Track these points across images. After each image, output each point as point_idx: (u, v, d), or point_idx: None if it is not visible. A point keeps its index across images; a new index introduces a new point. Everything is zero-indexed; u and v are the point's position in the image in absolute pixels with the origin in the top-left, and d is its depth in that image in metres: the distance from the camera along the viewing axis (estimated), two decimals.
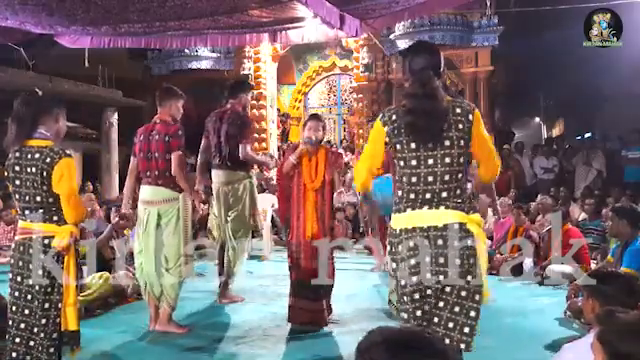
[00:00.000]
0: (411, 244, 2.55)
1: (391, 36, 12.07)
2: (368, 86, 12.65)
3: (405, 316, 2.59)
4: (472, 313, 2.54)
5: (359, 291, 5.77)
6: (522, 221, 7.01)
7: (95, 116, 12.14)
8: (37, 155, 2.93)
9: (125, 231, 6.21)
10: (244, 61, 13.48)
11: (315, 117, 4.78)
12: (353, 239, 9.10)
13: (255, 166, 6.34)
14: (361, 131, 12.90)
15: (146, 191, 4.44)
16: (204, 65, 13.90)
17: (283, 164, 4.58)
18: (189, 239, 4.48)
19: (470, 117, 2.57)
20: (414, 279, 2.55)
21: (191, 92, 15.52)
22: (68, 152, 3.00)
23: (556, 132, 19.94)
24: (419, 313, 2.56)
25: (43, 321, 2.96)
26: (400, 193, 2.63)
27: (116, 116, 11.91)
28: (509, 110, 15.07)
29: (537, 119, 21.81)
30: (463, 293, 2.53)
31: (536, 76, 15.89)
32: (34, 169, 2.92)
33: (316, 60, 14.45)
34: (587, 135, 15.22)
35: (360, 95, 12.90)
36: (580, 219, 7.76)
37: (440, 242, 2.52)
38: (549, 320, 4.77)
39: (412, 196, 2.57)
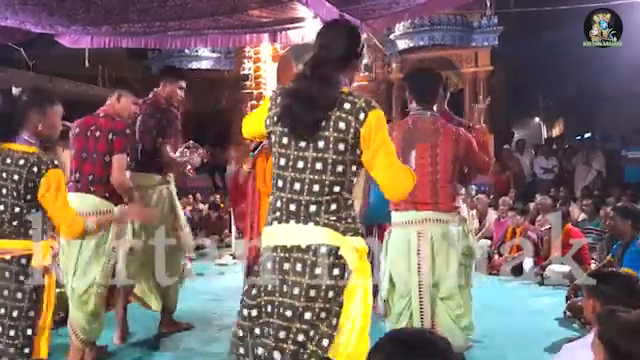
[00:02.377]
0: (269, 266, 2.06)
1: (391, 36, 12.07)
2: (368, 86, 12.65)
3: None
4: None
5: None
6: (518, 222, 7.02)
7: None
8: (21, 162, 2.56)
9: None
10: (244, 61, 13.47)
11: None
12: None
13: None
14: None
15: (71, 200, 3.31)
16: (204, 65, 13.90)
17: (237, 175, 3.89)
18: (122, 267, 3.65)
19: (361, 116, 2.01)
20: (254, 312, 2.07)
21: (191, 92, 15.52)
22: (56, 162, 2.64)
23: (556, 132, 19.95)
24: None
25: (26, 350, 2.56)
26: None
27: None
28: (509, 110, 15.07)
29: (537, 119, 21.81)
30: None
31: (536, 76, 15.89)
32: (16, 177, 2.55)
33: None
34: (587, 135, 15.22)
35: None
36: (580, 219, 7.76)
37: (299, 268, 2.00)
38: (549, 320, 4.77)
39: (278, 204, 2.08)
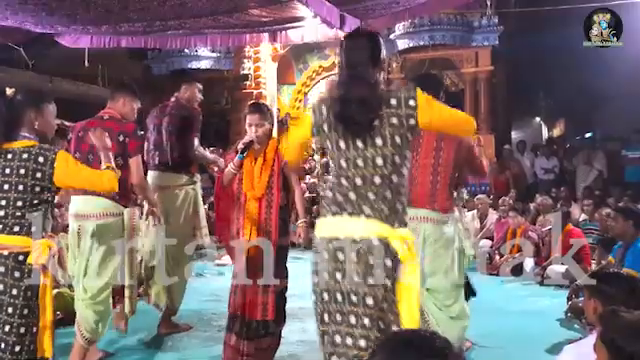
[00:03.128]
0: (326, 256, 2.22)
1: (391, 36, 12.05)
2: None
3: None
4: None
5: None
6: (519, 222, 7.01)
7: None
8: (25, 155, 2.59)
9: None
10: (244, 61, 13.45)
11: (255, 108, 3.57)
12: None
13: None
14: None
15: (79, 202, 3.57)
16: (204, 65, 13.90)
17: (221, 175, 3.56)
18: (134, 267, 3.77)
19: (411, 103, 2.18)
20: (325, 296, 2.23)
21: None
22: (58, 147, 2.71)
23: (557, 132, 19.92)
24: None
25: (17, 348, 2.52)
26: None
27: None
28: (509, 110, 15.03)
29: (537, 119, 21.79)
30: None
31: (536, 76, 15.87)
32: (22, 170, 2.56)
33: (316, 60, 14.42)
34: (588, 135, 15.20)
35: None
36: (581, 219, 7.75)
37: (354, 257, 2.15)
38: (550, 321, 4.77)
39: (337, 198, 2.25)
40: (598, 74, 12.61)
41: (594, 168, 10.20)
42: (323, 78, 15.11)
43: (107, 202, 3.53)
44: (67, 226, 4.17)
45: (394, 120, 2.17)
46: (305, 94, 15.18)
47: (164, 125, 4.38)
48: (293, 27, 6.65)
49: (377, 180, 2.18)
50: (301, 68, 14.66)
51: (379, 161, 2.18)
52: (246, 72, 13.44)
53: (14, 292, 2.54)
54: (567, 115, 18.36)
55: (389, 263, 2.14)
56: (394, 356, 1.35)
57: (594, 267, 5.85)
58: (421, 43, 11.72)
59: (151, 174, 4.34)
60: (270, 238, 3.37)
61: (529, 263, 6.43)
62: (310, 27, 6.64)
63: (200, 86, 4.67)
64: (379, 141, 2.18)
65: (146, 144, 4.35)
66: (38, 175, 2.58)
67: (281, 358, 3.66)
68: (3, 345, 2.52)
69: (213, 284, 6.17)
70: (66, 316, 4.74)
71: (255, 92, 13.04)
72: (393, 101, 2.19)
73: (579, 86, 14.40)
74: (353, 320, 2.15)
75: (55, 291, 4.74)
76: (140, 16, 5.52)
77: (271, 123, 3.57)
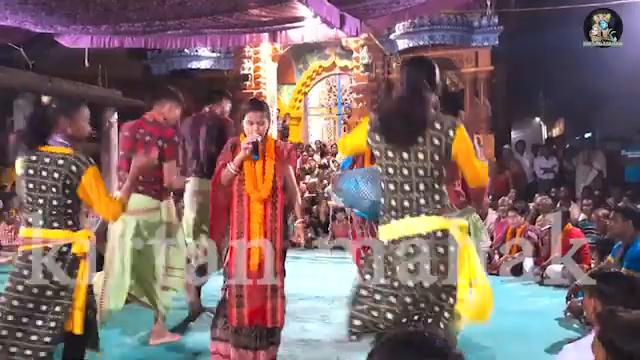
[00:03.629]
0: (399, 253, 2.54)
1: (391, 36, 12.06)
2: (368, 86, 12.65)
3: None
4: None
5: None
6: (518, 222, 7.01)
7: (95, 116, 12.05)
8: (60, 162, 2.92)
9: None
10: (244, 61, 13.47)
11: (257, 105, 3.54)
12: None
13: None
14: None
15: None
16: (204, 65, 13.90)
17: (219, 174, 3.43)
18: (180, 248, 4.19)
19: (450, 134, 2.52)
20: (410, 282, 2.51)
21: (191, 92, 15.51)
22: (92, 160, 3.01)
23: (556, 132, 19.92)
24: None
25: (52, 324, 2.92)
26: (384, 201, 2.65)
27: (116, 116, 11.88)
28: (509, 110, 15.04)
29: (537, 119, 21.80)
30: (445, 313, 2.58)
31: (536, 76, 15.88)
32: (56, 174, 2.91)
33: (316, 60, 14.43)
34: (587, 135, 15.20)
35: (360, 95, 12.89)
36: (580, 219, 7.75)
37: (425, 250, 2.50)
38: (549, 320, 4.77)
39: (393, 203, 2.59)
40: (598, 74, 12.62)
41: (594, 168, 10.21)
42: (323, 78, 15.13)
43: (146, 199, 3.94)
44: None
45: (436, 141, 2.51)
46: (305, 94, 15.19)
47: (201, 135, 4.73)
48: (293, 27, 6.65)
49: (422, 187, 2.54)
50: (301, 68, 14.67)
51: (421, 172, 2.53)
52: (246, 72, 13.45)
53: (55, 278, 2.91)
54: (567, 115, 18.37)
55: (452, 249, 2.50)
56: (394, 356, 1.35)
57: (593, 267, 5.86)
58: (421, 43, 11.72)
59: (190, 180, 4.64)
60: (277, 240, 3.34)
61: (529, 263, 6.44)
62: (310, 27, 6.63)
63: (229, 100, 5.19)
64: (421, 156, 2.52)
65: (181, 151, 4.60)
66: (68, 182, 2.93)
67: (281, 358, 3.66)
68: (41, 322, 2.91)
69: (212, 284, 6.15)
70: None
71: (255, 92, 13.06)
72: (437, 125, 2.52)
73: (579, 86, 14.41)
74: (393, 300, 2.52)
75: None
76: (140, 16, 5.52)
77: (269, 122, 3.55)
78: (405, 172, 2.54)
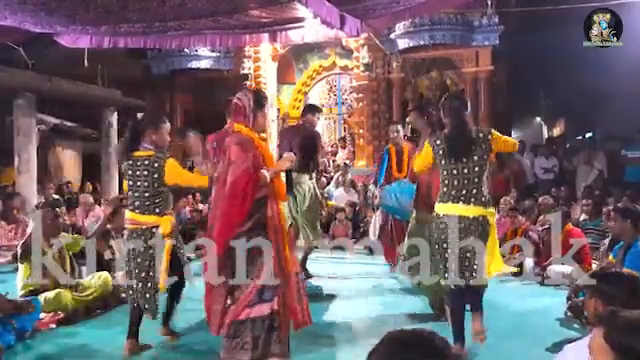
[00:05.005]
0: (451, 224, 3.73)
1: (392, 35, 12.04)
2: (368, 85, 12.64)
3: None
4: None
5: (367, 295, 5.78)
6: (519, 223, 7.00)
7: (94, 116, 12.11)
8: (147, 162, 3.87)
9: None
10: (244, 60, 13.45)
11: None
12: (353, 239, 9.09)
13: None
14: (361, 130, 12.87)
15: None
16: (204, 65, 13.89)
17: (248, 176, 3.43)
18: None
19: (489, 137, 3.78)
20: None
21: (191, 91, 15.51)
22: (168, 156, 3.94)
23: (557, 132, 19.91)
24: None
25: (147, 284, 3.89)
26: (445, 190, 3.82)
27: (115, 116, 11.88)
28: (510, 110, 15.03)
29: (538, 119, 21.78)
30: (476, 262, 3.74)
31: (537, 76, 15.86)
32: (145, 172, 3.86)
33: (316, 59, 14.41)
34: (588, 135, 15.19)
35: (360, 94, 12.88)
36: (581, 219, 7.74)
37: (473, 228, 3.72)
38: (550, 320, 4.76)
39: (453, 192, 3.75)
40: (598, 74, 12.60)
41: (594, 168, 10.20)
42: (323, 78, 15.12)
43: None
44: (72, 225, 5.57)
45: (483, 146, 3.76)
46: (305, 93, 15.17)
47: (296, 141, 6.04)
48: (293, 27, 6.64)
49: (476, 180, 3.73)
50: (301, 67, 14.65)
51: (476, 169, 3.74)
52: (246, 72, 13.42)
53: (150, 252, 3.88)
54: (567, 115, 18.36)
55: (488, 229, 3.76)
56: (393, 356, 1.35)
57: (594, 266, 5.85)
58: (421, 43, 11.71)
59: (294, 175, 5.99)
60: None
61: (529, 263, 6.42)
62: (310, 27, 6.63)
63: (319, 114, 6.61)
64: (475, 158, 3.74)
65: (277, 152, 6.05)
66: (155, 176, 3.87)
67: None
68: (141, 285, 3.90)
69: None
70: (68, 317, 4.75)
71: None
72: (480, 135, 3.80)
73: (579, 86, 14.39)
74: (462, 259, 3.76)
75: (56, 291, 4.78)
76: (140, 17, 5.52)
77: None
78: (465, 170, 3.72)
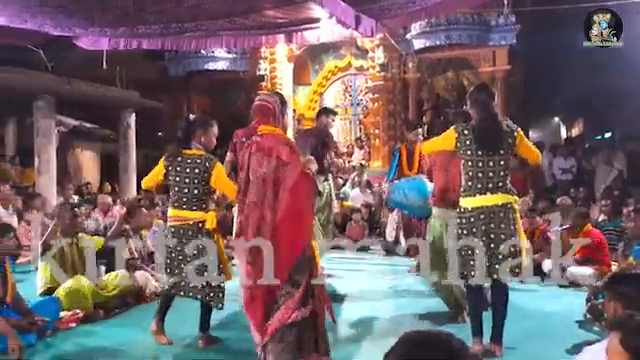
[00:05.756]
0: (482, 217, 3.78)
1: (407, 35, 12.01)
2: (384, 86, 12.61)
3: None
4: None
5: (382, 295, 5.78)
6: (536, 224, 6.94)
7: (113, 117, 12.25)
8: (198, 161, 4.03)
9: (143, 231, 6.24)
10: (260, 61, 13.50)
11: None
12: (369, 239, 9.07)
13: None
14: (377, 131, 12.84)
15: None
16: (220, 66, 13.97)
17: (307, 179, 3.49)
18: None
19: (515, 133, 3.79)
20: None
21: (207, 93, 15.59)
22: (217, 159, 4.06)
23: (575, 132, 19.69)
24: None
25: (215, 274, 4.00)
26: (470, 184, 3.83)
27: (133, 117, 12.00)
28: (527, 109, 14.88)
29: (556, 119, 21.55)
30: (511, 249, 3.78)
31: (554, 75, 15.69)
32: (196, 170, 4.01)
33: (332, 60, 14.42)
34: (607, 135, 15.00)
35: (376, 95, 12.86)
36: (600, 220, 7.65)
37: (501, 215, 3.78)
38: (569, 322, 4.71)
39: (479, 185, 3.78)
40: (617, 72, 12.44)
41: (614, 168, 10.07)
42: (339, 78, 15.12)
43: None
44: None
45: (509, 140, 3.79)
46: (320, 94, 15.18)
47: (310, 144, 5.98)
48: (309, 28, 6.66)
49: (502, 173, 3.78)
50: (317, 68, 14.66)
51: (502, 162, 3.78)
52: (262, 73, 13.48)
53: (200, 246, 3.99)
54: (586, 114, 18.14)
55: (516, 215, 3.83)
56: (410, 357, 1.34)
57: (614, 268, 5.78)
58: (437, 43, 11.66)
59: None
60: None
61: (548, 264, 6.36)
62: (326, 27, 6.63)
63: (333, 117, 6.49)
64: (502, 151, 3.77)
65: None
66: (205, 175, 4.02)
67: None
68: (206, 273, 3.97)
69: (228, 284, 6.17)
70: (87, 315, 4.80)
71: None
72: (507, 129, 3.80)
73: (598, 85, 14.22)
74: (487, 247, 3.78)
75: (67, 287, 4.81)
76: (157, 18, 5.57)
77: None
78: (491, 163, 3.75)
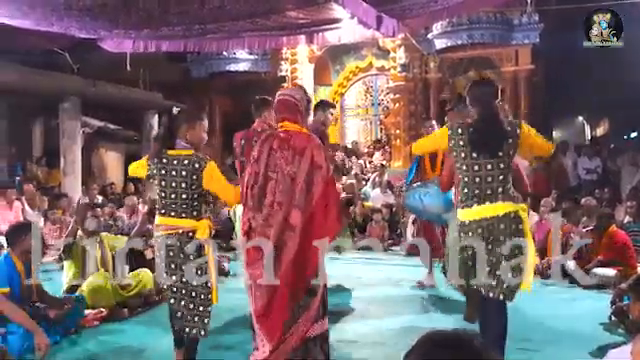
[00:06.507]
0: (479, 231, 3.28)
1: (429, 35, 11.95)
2: (405, 86, 12.56)
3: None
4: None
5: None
6: (560, 224, 6.85)
7: (136, 118, 12.41)
8: (185, 162, 3.46)
9: None
10: (281, 63, 13.56)
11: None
12: (390, 240, 9.06)
13: None
14: (398, 131, 12.80)
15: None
16: (242, 67, 14.05)
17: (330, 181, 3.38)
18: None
19: (517, 131, 3.28)
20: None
21: (229, 94, 15.70)
22: (208, 157, 3.55)
23: (600, 132, 19.38)
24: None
25: (202, 296, 3.48)
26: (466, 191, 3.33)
27: (156, 118, 12.14)
28: (551, 109, 14.70)
29: (580, 118, 21.24)
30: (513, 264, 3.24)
31: (578, 74, 15.47)
32: (184, 172, 3.45)
33: (353, 60, 14.41)
34: (633, 134, 14.73)
35: (397, 95, 12.81)
36: (625, 221, 7.53)
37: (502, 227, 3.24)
38: (593, 324, 4.64)
39: (476, 192, 3.28)
40: None
41: None
42: (359, 79, 15.10)
43: None
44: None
45: (510, 140, 3.27)
46: (342, 95, 15.18)
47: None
48: (330, 28, 6.66)
49: (501, 177, 3.26)
50: (338, 69, 14.66)
51: (502, 165, 3.26)
52: (283, 74, 13.53)
53: (189, 258, 3.45)
54: (611, 114, 17.86)
55: (522, 226, 3.25)
56: (430, 356, 1.34)
57: None
58: (459, 42, 11.58)
59: None
60: None
61: (571, 265, 6.28)
62: (347, 28, 6.64)
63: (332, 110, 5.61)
64: (501, 153, 3.25)
65: None
66: (194, 177, 3.46)
67: None
68: (184, 291, 3.48)
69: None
70: (111, 314, 4.88)
71: None
72: (509, 127, 3.30)
73: (623, 84, 13.99)
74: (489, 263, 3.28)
75: (90, 283, 4.88)
76: (180, 20, 5.63)
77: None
78: (489, 166, 3.25)
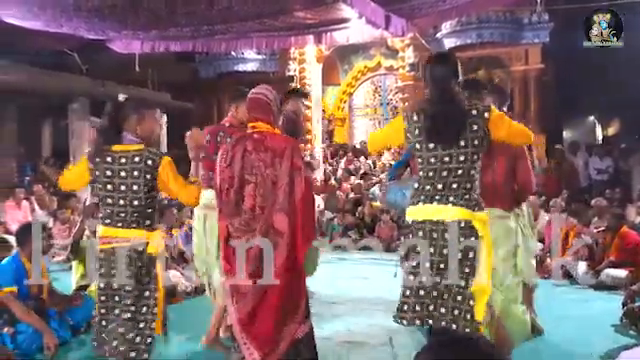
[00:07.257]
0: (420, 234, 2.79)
1: (438, 35, 11.91)
2: (414, 86, 12.53)
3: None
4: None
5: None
6: (570, 224, 6.80)
7: None
8: (136, 159, 2.95)
9: (174, 231, 6.32)
10: (289, 62, 13.57)
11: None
12: (399, 240, 9.02)
13: None
14: None
15: (207, 194, 3.70)
16: (250, 67, 14.09)
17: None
18: None
19: (486, 115, 2.72)
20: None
21: None
22: (162, 151, 3.11)
23: (611, 131, 19.24)
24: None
25: (143, 310, 3.05)
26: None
27: (165, 118, 12.18)
28: (561, 109, 14.60)
29: (591, 118, 21.10)
30: (459, 297, 2.70)
31: (589, 74, 15.35)
32: (135, 172, 2.94)
33: (361, 60, 14.40)
34: None
35: (406, 95, 12.78)
36: (637, 221, 7.45)
37: (446, 236, 2.71)
38: (605, 326, 4.60)
39: (427, 188, 2.79)
40: None
41: None
42: (368, 79, 15.08)
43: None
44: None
45: (475, 127, 2.71)
46: (350, 94, 15.17)
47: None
48: (338, 28, 6.65)
49: (460, 172, 2.72)
50: (346, 69, 14.66)
51: (462, 157, 2.72)
52: (291, 74, 13.55)
53: (138, 281, 2.99)
54: (622, 114, 17.71)
55: (471, 240, 2.69)
56: (439, 357, 1.33)
57: None
58: (468, 41, 11.54)
59: None
60: None
61: (582, 267, 6.23)
62: (355, 28, 6.62)
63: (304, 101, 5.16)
64: (462, 142, 2.71)
65: None
66: (148, 177, 2.96)
67: (327, 359, 3.65)
68: (142, 319, 3.06)
69: None
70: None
71: None
72: (474, 112, 2.74)
73: (635, 84, 13.86)
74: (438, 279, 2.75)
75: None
76: (188, 20, 5.64)
77: None
78: (446, 159, 2.74)
